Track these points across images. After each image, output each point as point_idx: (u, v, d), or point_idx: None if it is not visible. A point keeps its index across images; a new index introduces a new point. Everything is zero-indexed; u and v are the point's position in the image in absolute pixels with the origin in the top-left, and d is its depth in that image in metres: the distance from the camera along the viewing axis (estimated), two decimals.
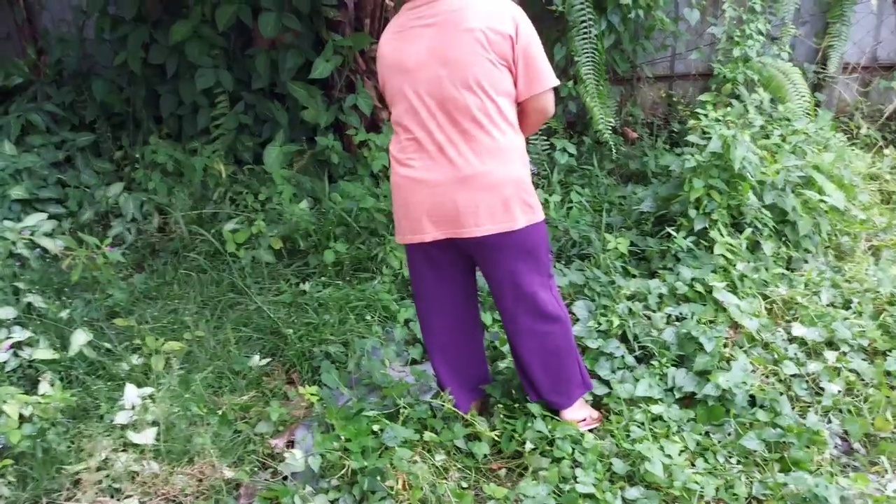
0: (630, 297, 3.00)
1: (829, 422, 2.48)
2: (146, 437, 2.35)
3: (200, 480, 2.27)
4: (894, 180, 4.11)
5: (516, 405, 2.50)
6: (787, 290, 3.06)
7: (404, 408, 2.42)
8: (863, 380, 2.61)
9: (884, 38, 4.71)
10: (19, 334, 2.81)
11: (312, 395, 2.47)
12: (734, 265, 3.10)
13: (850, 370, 2.64)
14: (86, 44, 4.66)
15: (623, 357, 2.70)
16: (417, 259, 2.35)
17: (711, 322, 2.85)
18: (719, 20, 4.38)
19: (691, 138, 3.47)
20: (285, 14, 3.89)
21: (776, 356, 2.71)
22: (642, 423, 2.40)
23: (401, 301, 3.23)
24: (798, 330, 2.82)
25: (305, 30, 3.99)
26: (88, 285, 3.37)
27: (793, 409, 2.50)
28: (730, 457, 2.30)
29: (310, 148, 4.13)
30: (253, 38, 4.19)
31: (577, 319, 2.92)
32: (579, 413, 2.44)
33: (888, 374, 2.62)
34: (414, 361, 2.95)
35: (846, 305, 3.04)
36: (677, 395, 2.55)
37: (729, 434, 2.39)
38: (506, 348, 2.71)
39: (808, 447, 2.28)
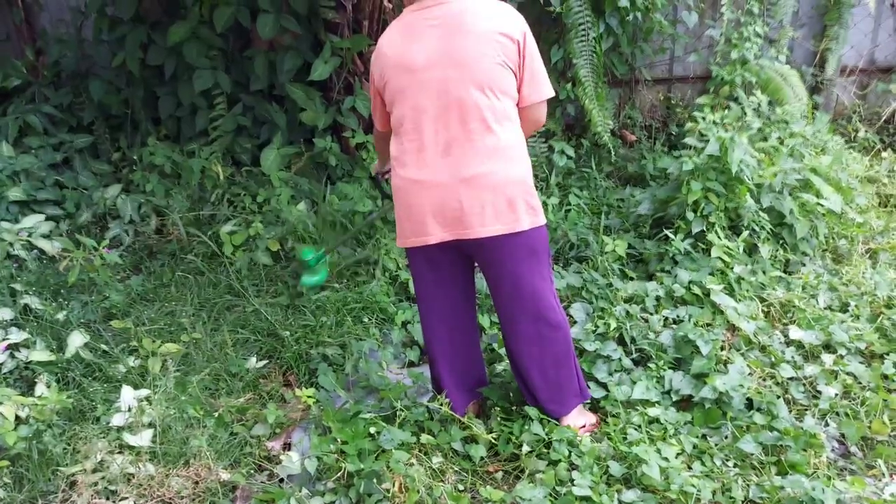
0: (627, 300, 3.00)
1: (827, 425, 2.48)
2: (142, 439, 2.35)
3: (196, 483, 2.26)
4: (892, 183, 4.12)
5: (513, 408, 2.50)
6: (784, 293, 3.06)
7: (401, 410, 2.42)
8: (860, 383, 2.61)
9: (881, 40, 4.71)
10: (16, 336, 2.81)
11: (309, 397, 2.47)
12: (731, 268, 3.10)
13: (848, 373, 2.64)
14: (84, 45, 4.65)
15: (620, 360, 2.70)
16: (418, 261, 2.35)
17: (708, 325, 2.85)
18: (717, 23, 4.39)
19: (689, 141, 3.47)
20: (283, 15, 3.89)
21: (773, 359, 2.71)
22: (639, 426, 2.40)
23: (398, 303, 3.23)
24: (795, 333, 2.82)
25: (304, 31, 3.98)
26: (85, 287, 3.37)
27: (790, 412, 2.50)
28: (726, 460, 2.30)
29: (308, 150, 4.13)
30: (251, 39, 4.19)
31: (575, 322, 2.92)
32: (578, 420, 2.43)
33: (885, 377, 2.62)
34: (411, 364, 2.95)
35: (843, 308, 3.04)
36: (674, 398, 2.55)
37: (726, 437, 2.39)
38: (503, 350, 2.71)
39: (804, 450, 2.28)
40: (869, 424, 2.42)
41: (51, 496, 2.25)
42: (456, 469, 2.32)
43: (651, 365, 2.67)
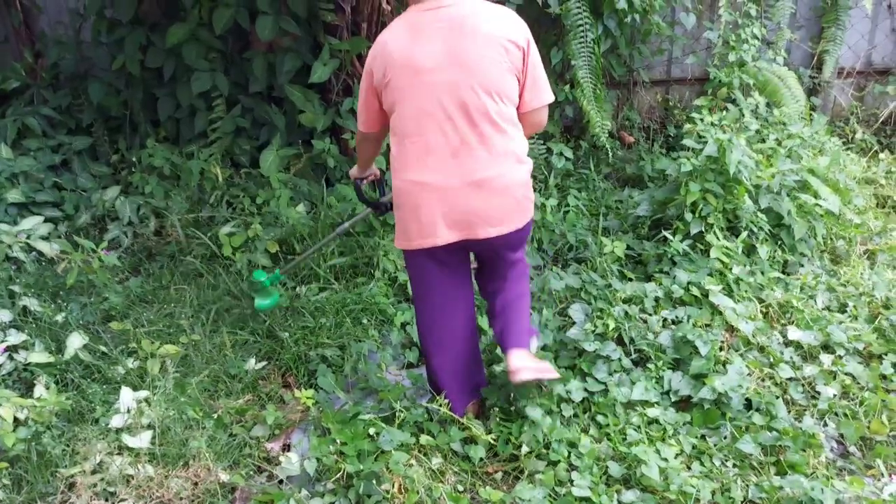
0: (626, 301, 3.00)
1: (825, 425, 2.48)
2: (141, 440, 2.34)
3: (196, 484, 2.26)
4: (889, 184, 4.13)
5: (512, 408, 2.50)
6: (782, 294, 3.07)
7: (400, 411, 2.42)
8: (858, 383, 2.61)
9: (878, 42, 4.73)
10: (15, 337, 2.81)
11: (308, 398, 2.47)
12: (730, 269, 3.11)
13: (846, 374, 2.64)
14: (83, 47, 4.64)
15: (619, 360, 2.71)
16: (421, 261, 2.35)
17: (707, 326, 2.86)
18: (715, 25, 4.40)
19: (687, 142, 3.48)
20: (282, 17, 3.89)
21: (772, 360, 2.72)
22: (638, 427, 2.41)
23: (397, 304, 3.23)
24: (794, 333, 2.83)
25: (303, 33, 3.99)
26: (84, 289, 3.37)
27: (789, 412, 2.50)
28: (726, 460, 2.30)
29: (307, 151, 4.13)
30: (250, 41, 4.19)
31: (574, 322, 2.92)
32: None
33: (884, 377, 2.63)
34: (410, 365, 2.95)
35: (842, 309, 3.05)
36: (673, 399, 2.55)
37: (725, 437, 2.39)
38: (500, 350, 2.71)
39: (803, 450, 2.28)
40: (867, 424, 2.42)
41: (50, 498, 2.24)
42: (455, 470, 2.32)
43: (650, 365, 2.67)
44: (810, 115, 4.38)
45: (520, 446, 2.34)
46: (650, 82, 4.78)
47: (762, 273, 3.16)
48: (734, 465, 2.28)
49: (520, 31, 2.19)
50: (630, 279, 3.23)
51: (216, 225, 3.80)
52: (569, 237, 3.61)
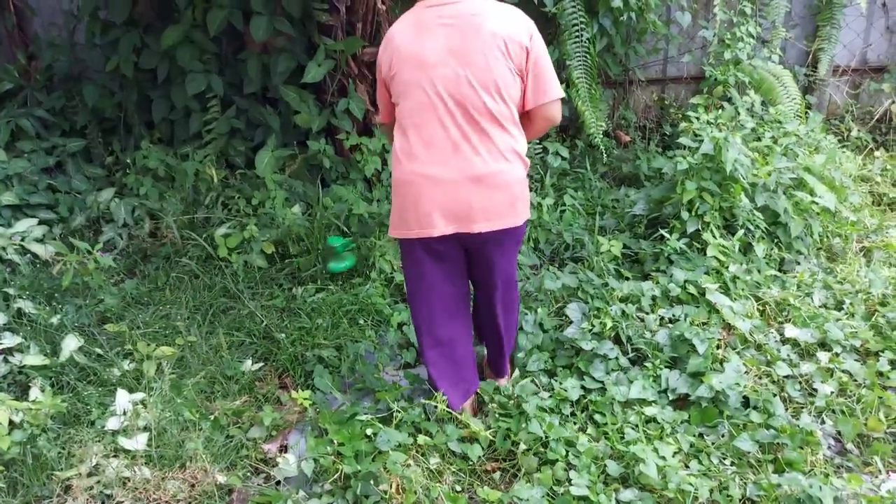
0: (623, 300, 3.00)
1: (823, 422, 2.48)
2: (138, 442, 2.33)
3: (192, 486, 2.25)
4: (885, 182, 4.14)
5: (510, 403, 2.49)
6: (779, 292, 3.07)
7: (398, 411, 2.42)
8: (855, 380, 2.61)
9: (873, 40, 4.74)
10: (9, 340, 2.79)
11: (305, 399, 2.46)
12: (727, 267, 3.11)
13: (843, 371, 2.64)
14: (77, 49, 4.64)
15: (617, 359, 2.70)
16: (419, 254, 2.35)
17: (704, 324, 2.86)
18: (710, 23, 4.40)
19: (683, 141, 3.48)
20: (277, 18, 3.88)
21: (769, 357, 2.72)
22: (636, 425, 2.40)
23: (394, 305, 3.23)
24: (791, 331, 2.83)
25: (297, 34, 3.98)
26: (79, 291, 3.35)
27: (786, 410, 2.50)
28: (723, 458, 2.30)
29: (302, 152, 4.12)
30: (244, 42, 4.18)
31: (571, 322, 2.92)
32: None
33: (881, 374, 2.63)
34: (407, 365, 2.94)
35: (838, 307, 3.05)
36: (671, 397, 2.55)
37: (722, 435, 2.39)
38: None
39: (801, 448, 2.28)
40: (865, 421, 2.42)
41: (46, 501, 2.23)
42: (453, 470, 2.32)
43: (647, 364, 2.67)
44: (806, 113, 4.39)
45: (518, 443, 2.33)
46: (646, 81, 4.79)
47: (759, 271, 3.17)
48: (732, 463, 2.28)
49: (523, 30, 2.20)
50: (627, 278, 3.23)
51: (211, 226, 3.79)
52: (565, 236, 3.60)
